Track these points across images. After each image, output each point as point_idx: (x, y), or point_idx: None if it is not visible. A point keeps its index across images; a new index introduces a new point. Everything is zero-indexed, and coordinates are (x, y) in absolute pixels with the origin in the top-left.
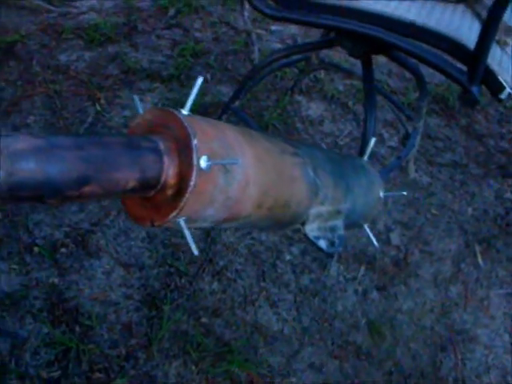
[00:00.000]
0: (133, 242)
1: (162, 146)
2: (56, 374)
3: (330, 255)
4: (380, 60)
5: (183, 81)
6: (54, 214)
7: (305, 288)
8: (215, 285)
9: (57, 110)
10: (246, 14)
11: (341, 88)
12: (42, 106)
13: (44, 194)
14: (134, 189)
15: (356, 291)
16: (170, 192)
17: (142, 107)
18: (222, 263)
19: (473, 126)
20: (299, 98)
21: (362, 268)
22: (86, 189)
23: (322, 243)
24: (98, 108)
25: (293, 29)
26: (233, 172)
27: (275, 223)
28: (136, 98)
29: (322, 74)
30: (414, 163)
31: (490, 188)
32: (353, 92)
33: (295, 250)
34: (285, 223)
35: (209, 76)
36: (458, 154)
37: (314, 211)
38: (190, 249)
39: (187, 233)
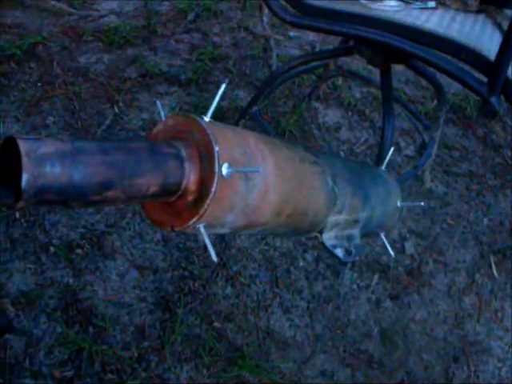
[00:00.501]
0: (148, 245)
1: (183, 152)
2: (69, 374)
3: (345, 263)
4: (397, 68)
5: (201, 85)
6: (70, 215)
7: (318, 295)
8: (228, 289)
9: (75, 112)
10: (264, 19)
11: (358, 95)
12: (62, 107)
13: (68, 197)
14: (156, 194)
15: (369, 299)
16: (190, 198)
17: (165, 114)
18: (235, 268)
19: (490, 136)
20: (316, 104)
21: (376, 276)
22: (109, 193)
23: (339, 252)
24: (116, 110)
25: (311, 35)
26: (253, 180)
27: (293, 231)
28: (159, 103)
29: (339, 81)
30: (430, 173)
31: (506, 199)
32: (370, 100)
33: (309, 256)
34: (303, 231)
35: (227, 80)
36: (475, 165)
37: (331, 220)
38: (204, 253)
39: (207, 239)
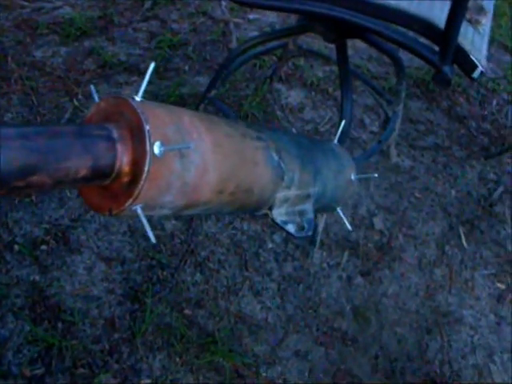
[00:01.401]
0: (114, 237)
1: (115, 133)
2: (39, 372)
3: (310, 241)
4: (359, 45)
5: (161, 73)
6: (33, 212)
7: (288, 276)
8: (198, 276)
9: (34, 107)
10: (223, 3)
11: (320, 74)
12: (19, 103)
13: None
14: (87, 178)
15: (340, 277)
16: (125, 180)
17: (99, 97)
18: (203, 254)
19: (454, 108)
20: (278, 85)
21: (346, 254)
22: (34, 178)
23: (291, 227)
24: (76, 103)
25: (270, 17)
26: (189, 157)
27: (239, 208)
28: (92, 87)
29: (301, 62)
30: (396, 147)
31: (473, 170)
32: (332, 78)
33: (277, 238)
34: (250, 208)
35: (187, 67)
36: (440, 137)
37: (280, 195)
38: (171, 241)
39: (144, 220)
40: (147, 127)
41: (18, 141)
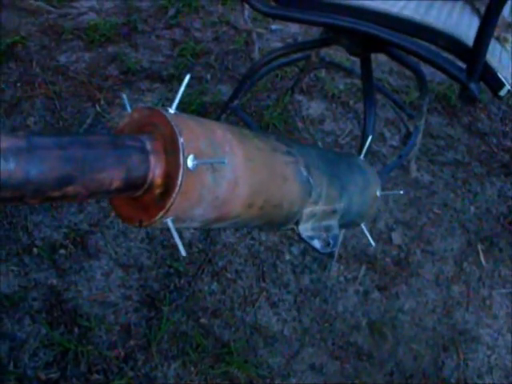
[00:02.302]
0: (132, 243)
1: (148, 145)
2: (55, 376)
3: (329, 255)
4: (381, 59)
5: (183, 81)
6: (53, 216)
7: (305, 288)
8: (214, 285)
9: (56, 111)
10: (246, 13)
11: (342, 87)
12: (42, 107)
13: (25, 194)
14: (120, 189)
15: (357, 291)
16: (157, 192)
17: (132, 106)
18: (221, 264)
19: (475, 124)
20: (300, 97)
21: (363, 268)
22: (69, 189)
23: (317, 243)
24: (98, 109)
25: (293, 28)
26: (221, 171)
27: (267, 223)
28: (125, 96)
29: (322, 73)
30: (416, 162)
31: (492, 186)
32: (353, 91)
33: (295, 250)
34: (278, 223)
35: (209, 76)
36: (460, 153)
37: (307, 211)
38: (189, 249)
39: (175, 233)
40: (181, 140)
41: (55, 151)
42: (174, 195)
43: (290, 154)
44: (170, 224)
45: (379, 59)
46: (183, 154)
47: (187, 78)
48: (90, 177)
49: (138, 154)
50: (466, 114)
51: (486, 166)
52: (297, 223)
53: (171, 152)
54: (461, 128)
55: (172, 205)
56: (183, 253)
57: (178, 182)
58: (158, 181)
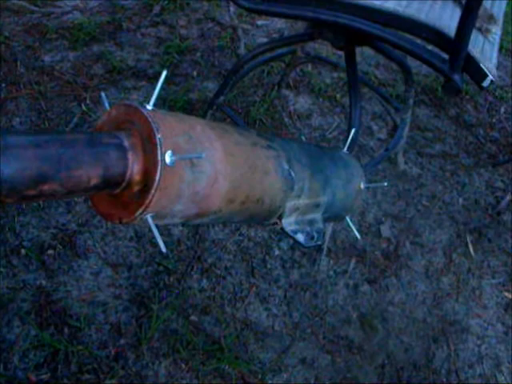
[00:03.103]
0: (120, 242)
1: (126, 142)
2: (45, 377)
3: (317, 249)
4: (367, 52)
5: (169, 78)
6: (40, 216)
7: (295, 283)
8: (204, 282)
9: (42, 111)
10: (231, 9)
11: (328, 81)
12: (27, 107)
13: (0, 193)
14: (98, 186)
15: (347, 285)
16: (136, 188)
17: (112, 104)
18: (210, 260)
19: (462, 116)
20: (286, 92)
21: (353, 261)
22: (45, 187)
23: (300, 237)
24: (84, 108)
25: (279, 23)
26: (200, 166)
27: (250, 217)
28: (103, 94)
29: (309, 68)
30: (404, 155)
31: (480, 178)
32: (340, 85)
33: (284, 245)
34: (260, 217)
35: (195, 73)
36: (448, 145)
37: (290, 204)
38: (178, 247)
39: (154, 229)
40: (158, 136)
41: (30, 149)
42: (152, 191)
43: (271, 148)
44: (150, 220)
45: (365, 53)
46: (161, 150)
47: (164, 73)
48: (67, 175)
49: (116, 151)
50: (453, 106)
51: (474, 158)
52: (280, 217)
53: (149, 148)
54: (448, 120)
55: (151, 201)
56: (163, 249)
57: (157, 178)
58: (137, 177)
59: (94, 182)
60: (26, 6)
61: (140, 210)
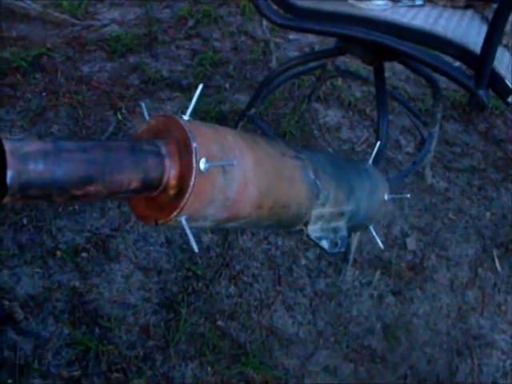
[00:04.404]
0: (151, 247)
1: (164, 149)
2: (76, 374)
3: (343, 258)
4: (397, 67)
5: (202, 90)
6: (76, 220)
7: (320, 292)
8: (232, 288)
9: (80, 120)
10: (264, 23)
11: (358, 95)
12: (66, 115)
13: (51, 192)
14: (137, 189)
15: (371, 296)
16: (171, 192)
17: (151, 115)
18: (238, 267)
19: (491, 131)
20: (316, 105)
21: (378, 273)
22: (91, 188)
23: (325, 243)
24: (120, 117)
25: (310, 38)
26: (232, 173)
27: (277, 223)
28: (143, 105)
29: (339, 82)
30: (431, 169)
31: (508, 193)
32: (370, 99)
33: (311, 254)
34: (287, 223)
35: (227, 85)
36: (476, 159)
37: (315, 212)
38: (207, 253)
39: (188, 230)
40: (194, 144)
41: (78, 154)
42: (187, 195)
43: (298, 159)
44: (184, 222)
45: (396, 68)
46: (196, 158)
47: (200, 86)
48: (110, 178)
49: (154, 157)
50: (482, 121)
51: (502, 173)
52: (306, 224)
53: (185, 155)
54: (477, 135)
55: (185, 204)
56: (195, 249)
57: (191, 184)
58: (173, 182)
59: (134, 185)
60: (67, 19)
61: (175, 213)
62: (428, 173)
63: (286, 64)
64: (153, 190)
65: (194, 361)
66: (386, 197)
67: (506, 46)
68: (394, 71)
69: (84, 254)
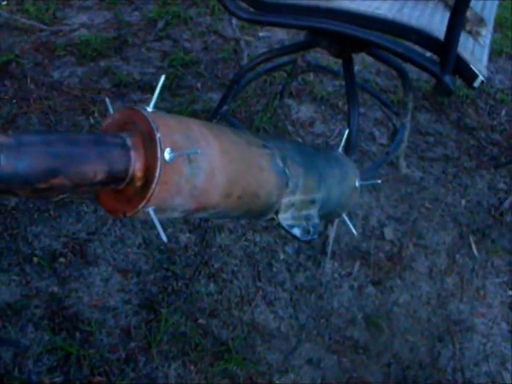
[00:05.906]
0: (129, 249)
1: (129, 141)
2: (58, 380)
3: (320, 251)
4: (368, 60)
5: (174, 90)
6: (52, 226)
7: (300, 286)
8: (211, 286)
9: (52, 126)
10: (233, 22)
11: (330, 89)
12: (38, 121)
13: (14, 186)
14: (103, 182)
15: (351, 287)
16: (138, 184)
17: (114, 109)
18: (217, 265)
19: (463, 119)
20: (289, 101)
21: (357, 264)
22: (55, 181)
23: (297, 231)
24: (92, 121)
25: (280, 34)
26: (198, 162)
27: (247, 212)
28: (108, 100)
29: (310, 77)
30: (406, 159)
31: (482, 180)
32: (342, 93)
33: (289, 249)
34: (257, 212)
35: (199, 84)
36: (450, 148)
37: (285, 200)
38: (185, 252)
39: (156, 221)
40: (158, 135)
41: (42, 147)
42: (153, 186)
43: (266, 147)
44: (152, 213)
45: (366, 61)
46: (160, 148)
47: (162, 78)
48: (74, 170)
49: (119, 149)
50: (454, 111)
51: (476, 160)
52: (277, 212)
53: (149, 146)
54: (449, 124)
55: (152, 195)
56: (164, 239)
57: (157, 174)
58: (139, 174)
59: (99, 177)
60: (35, 24)
61: (142, 204)
62: (402, 163)
63: (254, 60)
64: (119, 183)
65: (176, 360)
66: (357, 183)
67: (469, 32)
68: (365, 64)
69: (61, 260)
